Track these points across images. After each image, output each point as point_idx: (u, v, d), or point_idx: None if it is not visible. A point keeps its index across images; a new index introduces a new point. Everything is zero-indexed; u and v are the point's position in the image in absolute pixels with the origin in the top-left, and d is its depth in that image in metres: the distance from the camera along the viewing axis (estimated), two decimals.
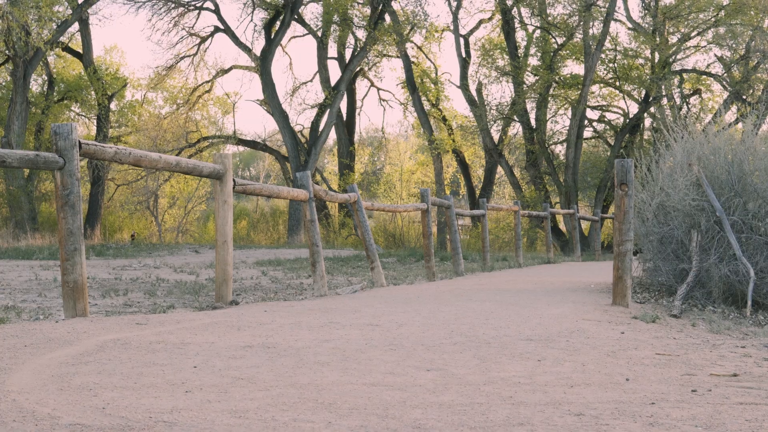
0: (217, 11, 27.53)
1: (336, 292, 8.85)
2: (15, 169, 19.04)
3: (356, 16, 28.98)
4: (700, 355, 4.38)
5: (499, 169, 30.36)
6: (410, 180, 37.54)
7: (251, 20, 28.66)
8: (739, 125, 22.88)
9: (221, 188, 7.01)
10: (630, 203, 7.12)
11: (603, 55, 27.35)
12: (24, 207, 24.90)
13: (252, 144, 31.55)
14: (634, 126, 28.75)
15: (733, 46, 27.05)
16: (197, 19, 28.55)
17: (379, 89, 32.74)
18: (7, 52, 24.88)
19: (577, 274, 12.44)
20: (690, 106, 28.73)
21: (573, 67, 29.92)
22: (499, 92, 54.10)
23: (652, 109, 28.17)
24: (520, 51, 28.29)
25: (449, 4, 28.00)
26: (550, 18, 27.88)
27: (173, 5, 26.86)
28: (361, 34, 28.94)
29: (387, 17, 27.57)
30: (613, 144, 29.18)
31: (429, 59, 30.60)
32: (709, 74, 27.94)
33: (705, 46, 27.89)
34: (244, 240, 30.45)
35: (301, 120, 51.89)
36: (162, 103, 32.73)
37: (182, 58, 28.60)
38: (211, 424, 2.65)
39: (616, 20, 27.29)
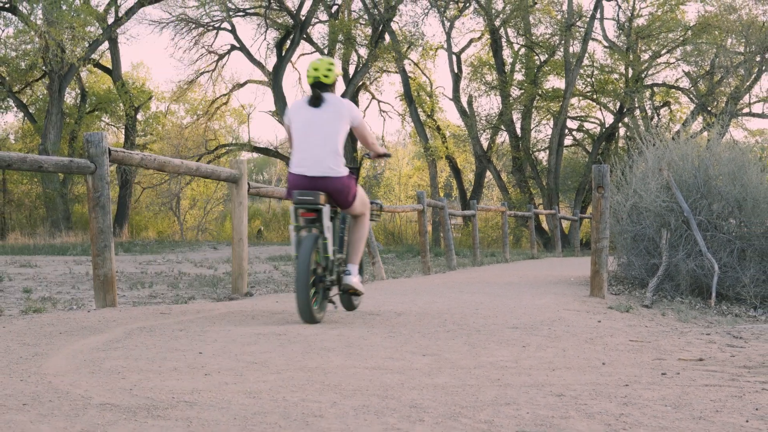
0: (233, 31, 27.52)
1: None
2: (51, 173, 19.04)
3: (359, 35, 28.96)
4: (670, 342, 4.37)
5: (488, 173, 30.36)
6: (408, 183, 37.52)
7: (264, 39, 28.68)
8: (705, 134, 22.88)
9: (237, 191, 7.01)
10: (606, 204, 7.12)
11: (582, 71, 27.35)
12: (59, 208, 24.88)
13: (265, 151, 31.52)
14: (610, 135, 28.74)
15: (699, 62, 27.06)
16: (215, 38, 28.61)
17: (379, 101, 32.71)
18: (44, 67, 24.86)
19: (558, 269, 12.43)
20: (660, 116, 28.73)
21: (554, 82, 29.87)
22: (488, 104, 54.01)
23: (626, 120, 28.17)
24: (507, 67, 28.29)
25: (443, 25, 27.98)
26: (534, 37, 27.88)
27: (194, 26, 26.84)
28: (363, 51, 28.93)
29: (387, 37, 27.56)
30: (590, 151, 29.17)
31: (425, 74, 30.58)
32: (678, 88, 27.94)
33: (674, 63, 27.91)
34: (257, 237, 30.43)
35: None
36: (184, 114, 32.71)
37: (202, 73, 28.58)
38: (228, 404, 2.65)
39: (593, 39, 27.30)
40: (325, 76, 4.89)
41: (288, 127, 4.97)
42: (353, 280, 4.88)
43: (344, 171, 4.88)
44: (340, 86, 29.73)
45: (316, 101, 4.86)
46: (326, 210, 4.70)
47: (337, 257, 4.86)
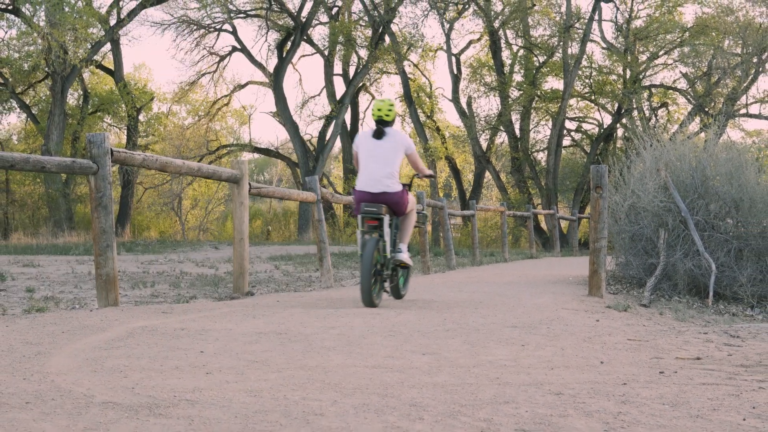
0: (234, 33, 27.52)
1: (341, 284, 8.85)
2: (54, 173, 19.04)
3: (359, 37, 28.96)
4: (667, 341, 4.37)
5: (487, 173, 30.36)
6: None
7: (265, 41, 28.66)
8: (702, 135, 22.87)
9: (238, 191, 7.01)
10: (604, 204, 7.12)
11: (580, 72, 27.35)
12: (61, 208, 24.88)
13: (266, 151, 31.53)
14: (608, 135, 28.74)
15: (697, 63, 27.07)
16: (217, 40, 28.55)
17: None
18: (47, 69, 24.86)
19: (556, 268, 12.43)
20: (658, 117, 28.72)
21: (553, 83, 29.89)
22: (487, 105, 54.08)
23: (624, 120, 28.18)
24: (506, 68, 28.29)
25: (442, 27, 27.98)
26: (532, 39, 27.89)
27: (195, 27, 26.84)
28: (364, 53, 28.93)
29: (387, 38, 27.56)
30: (589, 151, 29.18)
31: (424, 75, 30.59)
32: (675, 89, 27.95)
33: (671, 64, 27.90)
34: (258, 237, 30.44)
35: (310, 130, 51.79)
36: (185, 114, 32.71)
37: (203, 74, 28.58)
38: (229, 402, 2.65)
39: (592, 41, 27.30)
40: (387, 115, 6.10)
41: (355, 153, 6.17)
42: (403, 256, 6.04)
43: (399, 187, 6.04)
44: (341, 87, 29.79)
45: (378, 134, 6.05)
46: (386, 219, 5.89)
47: (390, 255, 5.98)
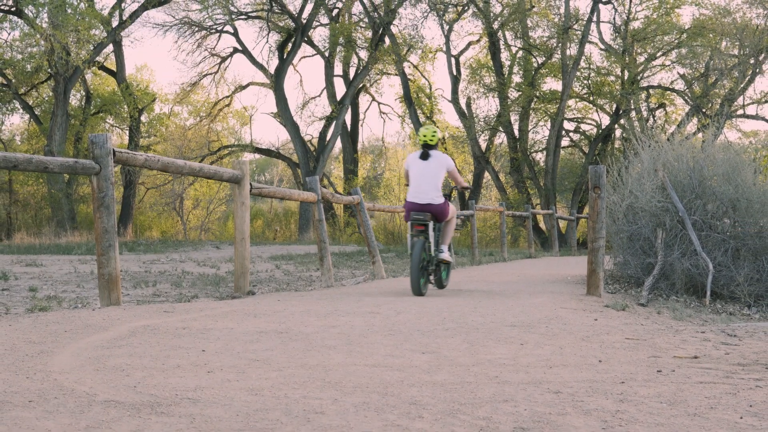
0: (236, 34, 27.52)
1: (341, 283, 8.85)
2: (56, 174, 19.03)
3: (359, 38, 28.97)
4: (665, 340, 4.37)
5: (486, 174, 30.36)
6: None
7: (266, 42, 28.67)
8: (700, 135, 22.88)
9: (239, 191, 7.01)
10: (602, 205, 7.12)
11: (578, 73, 27.35)
12: (64, 208, 24.88)
13: (267, 152, 31.53)
14: (606, 136, 28.74)
15: (694, 65, 27.07)
16: (218, 41, 28.58)
17: (379, 103, 32.74)
18: (49, 70, 24.86)
19: (555, 268, 12.43)
20: (656, 118, 28.73)
21: (552, 84, 29.89)
22: (486, 106, 54.05)
23: (622, 121, 28.17)
24: (505, 69, 28.29)
25: (442, 28, 27.99)
26: (531, 40, 27.89)
27: (197, 29, 26.85)
28: (364, 54, 28.94)
29: (387, 39, 27.56)
30: (587, 152, 29.18)
31: (424, 77, 30.59)
32: (673, 90, 27.95)
33: (669, 65, 27.91)
34: (259, 237, 30.44)
35: (311, 131, 51.78)
36: (187, 115, 32.72)
37: (205, 75, 28.59)
38: (230, 401, 2.65)
39: (590, 42, 27.30)
40: (431, 140, 7.30)
41: (406, 171, 7.41)
42: (445, 254, 7.27)
43: (442, 199, 7.21)
44: (341, 88, 29.80)
45: (425, 156, 7.25)
46: (430, 225, 7.10)
47: (434, 254, 7.18)
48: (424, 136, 7.30)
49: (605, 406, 2.69)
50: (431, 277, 7.31)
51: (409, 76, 28.97)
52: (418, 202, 7.14)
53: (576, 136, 31.48)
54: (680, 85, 27.87)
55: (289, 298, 6.28)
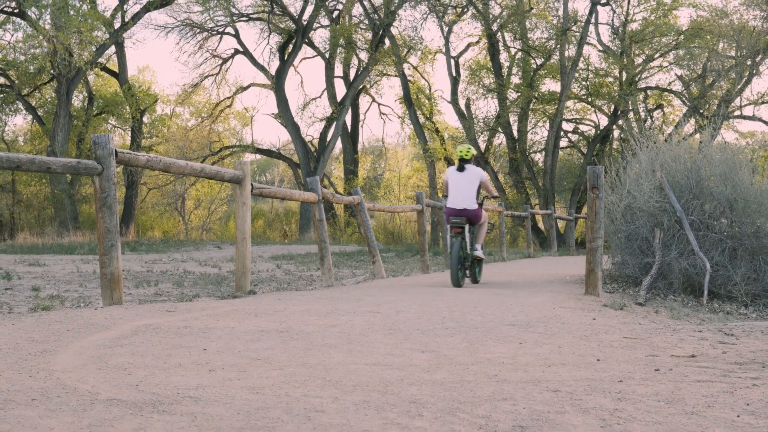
0: (237, 36, 27.52)
1: (342, 282, 8.85)
2: (59, 174, 19.03)
3: (359, 40, 28.97)
4: (663, 339, 4.37)
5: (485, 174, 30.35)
6: (407, 184, 37.53)
7: (267, 43, 28.67)
8: (697, 136, 22.88)
9: (240, 191, 7.01)
10: (601, 205, 7.12)
11: (577, 74, 27.35)
12: (67, 208, 24.88)
13: (268, 152, 31.53)
14: (605, 136, 28.74)
15: (692, 66, 27.07)
16: (219, 43, 28.65)
17: (379, 104, 32.75)
18: (52, 71, 24.86)
19: (554, 268, 12.43)
20: (653, 119, 28.72)
21: (550, 85, 29.93)
22: (485, 107, 54.05)
23: (620, 122, 28.17)
24: (504, 71, 28.28)
25: (441, 30, 27.97)
26: (530, 42, 27.88)
27: (198, 30, 26.85)
28: (364, 55, 28.94)
29: (387, 41, 27.56)
30: (585, 152, 29.17)
31: (423, 78, 30.59)
32: (671, 91, 27.94)
33: (667, 66, 27.90)
34: (260, 237, 30.44)
35: (311, 131, 51.77)
36: (188, 116, 32.73)
37: (206, 77, 28.59)
38: (231, 399, 2.65)
39: (588, 44, 27.29)
40: (466, 155, 8.52)
41: (445, 182, 8.60)
42: (478, 252, 8.47)
43: (476, 206, 8.38)
44: (341, 89, 29.79)
45: (461, 169, 8.48)
46: (467, 227, 8.30)
47: (469, 252, 8.37)
48: (461, 152, 8.55)
49: (603, 405, 2.69)
50: (467, 272, 8.50)
51: (408, 77, 28.97)
52: (456, 208, 8.34)
53: (574, 137, 31.47)
54: (678, 87, 27.87)
55: (290, 298, 6.28)
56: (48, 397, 2.62)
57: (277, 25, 27.86)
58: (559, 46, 26.60)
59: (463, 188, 8.34)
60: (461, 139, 29.85)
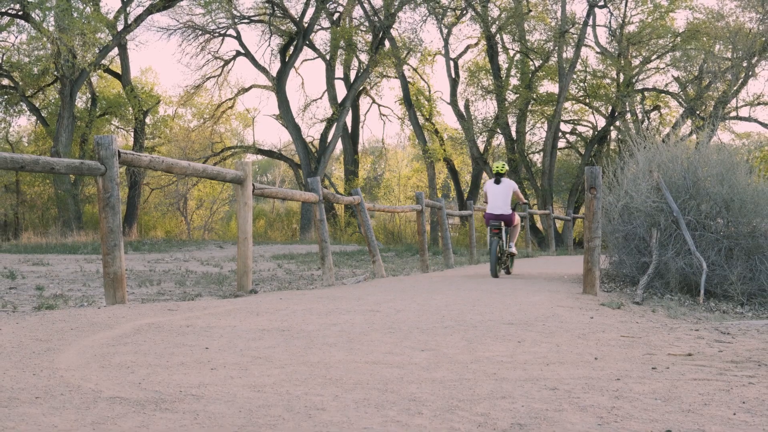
0: (238, 38, 27.52)
1: (342, 282, 8.84)
2: (63, 175, 19.04)
3: (360, 42, 28.97)
4: (660, 337, 4.37)
5: (484, 174, 30.36)
6: (407, 185, 37.54)
7: (269, 45, 28.77)
8: (694, 137, 22.87)
9: (242, 192, 7.01)
10: (598, 205, 7.12)
11: (575, 76, 27.35)
12: (70, 208, 24.88)
13: (269, 153, 31.53)
14: (602, 137, 28.74)
15: (688, 67, 27.06)
16: (221, 45, 28.66)
17: (379, 105, 32.74)
18: (56, 73, 24.86)
19: (552, 267, 12.43)
20: (650, 120, 28.72)
21: (548, 86, 29.86)
22: (484, 108, 53.97)
23: (617, 123, 28.17)
24: (503, 72, 28.28)
25: (441, 32, 27.97)
26: (528, 43, 27.88)
27: (200, 32, 26.85)
28: (364, 57, 28.93)
29: (387, 43, 27.56)
30: (583, 153, 29.17)
31: (423, 79, 30.59)
32: (667, 92, 27.94)
33: (663, 68, 27.90)
34: (262, 237, 30.44)
35: (312, 132, 51.76)
36: (190, 117, 32.73)
37: (208, 78, 28.59)
38: (233, 397, 2.65)
39: (586, 45, 27.30)
40: (501, 170, 10.14)
41: (485, 192, 10.21)
42: (512, 249, 10.21)
43: (510, 211, 10.01)
44: (342, 91, 29.79)
45: (497, 181, 10.07)
46: (503, 228, 9.91)
47: (505, 249, 9.95)
48: (497, 167, 10.16)
49: (601, 403, 2.69)
50: (503, 266, 10.09)
51: (408, 79, 28.97)
52: (494, 213, 9.95)
53: (572, 138, 31.47)
54: (674, 88, 27.87)
55: (291, 297, 6.28)
56: (52, 395, 2.62)
57: (279, 27, 27.86)
58: (557, 48, 26.60)
59: (499, 197, 9.94)
60: (460, 140, 29.86)
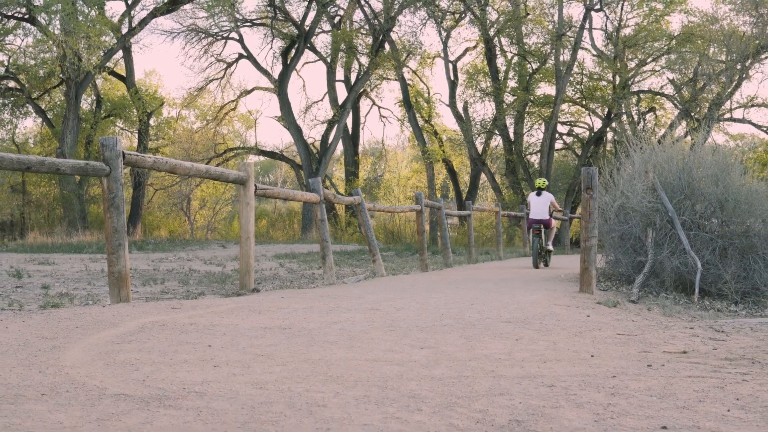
0: (241, 41, 27.52)
1: (343, 281, 8.84)
2: (68, 175, 19.03)
3: (360, 44, 28.96)
4: (655, 335, 4.37)
5: (483, 175, 30.35)
6: (406, 185, 37.52)
7: (270, 48, 28.73)
8: (688, 138, 22.87)
9: (244, 192, 7.00)
10: (595, 205, 7.12)
11: (571, 78, 27.34)
12: (75, 208, 24.88)
13: (271, 154, 31.53)
14: (598, 139, 28.73)
15: (683, 70, 27.05)
16: (224, 48, 28.68)
17: (379, 107, 32.74)
18: (61, 75, 24.86)
19: (550, 266, 12.41)
20: (646, 121, 28.71)
21: (546, 89, 29.85)
22: (483, 110, 53.95)
23: (613, 125, 28.16)
24: (501, 75, 28.28)
25: (440, 35, 27.98)
26: (526, 46, 27.87)
27: (203, 36, 26.85)
28: (365, 60, 28.93)
29: (387, 46, 27.56)
30: (580, 154, 29.17)
31: (422, 82, 30.59)
32: (663, 94, 27.93)
33: (659, 70, 27.89)
34: (264, 236, 30.43)
35: (313, 133, 51.73)
36: (194, 119, 32.72)
37: (211, 80, 28.58)
38: (235, 394, 2.65)
39: (582, 48, 27.29)
40: (542, 185, 12.40)
41: (529, 202, 12.40)
42: (549, 246, 12.04)
43: (548, 216, 12.16)
44: (342, 93, 29.78)
45: (539, 194, 12.33)
46: (543, 230, 12.01)
47: (544, 246, 12.00)
48: (539, 183, 12.44)
49: (597, 400, 2.69)
50: (542, 260, 11.96)
51: (408, 81, 28.96)
52: (536, 218, 12.14)
53: (569, 139, 31.46)
54: (670, 90, 27.86)
55: (293, 296, 6.28)
56: (57, 392, 2.62)
57: (280, 30, 27.85)
58: (554, 50, 26.60)
59: (539, 206, 12.19)
60: (459, 141, 29.88)
